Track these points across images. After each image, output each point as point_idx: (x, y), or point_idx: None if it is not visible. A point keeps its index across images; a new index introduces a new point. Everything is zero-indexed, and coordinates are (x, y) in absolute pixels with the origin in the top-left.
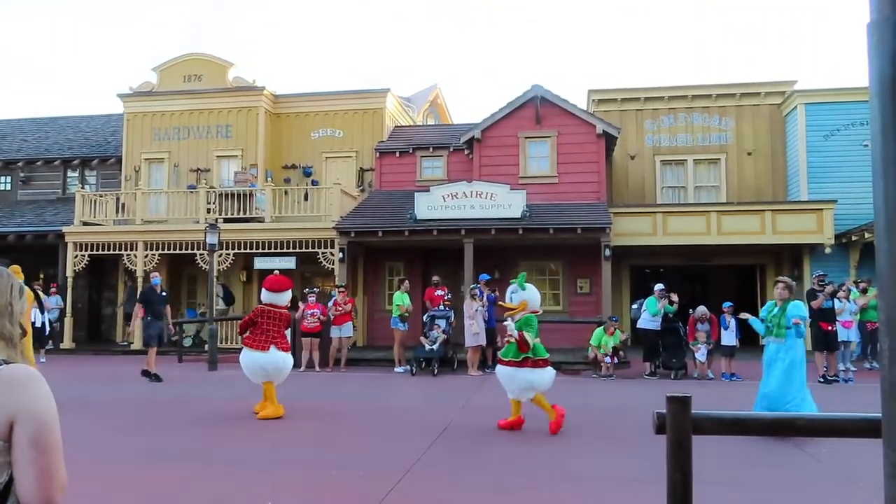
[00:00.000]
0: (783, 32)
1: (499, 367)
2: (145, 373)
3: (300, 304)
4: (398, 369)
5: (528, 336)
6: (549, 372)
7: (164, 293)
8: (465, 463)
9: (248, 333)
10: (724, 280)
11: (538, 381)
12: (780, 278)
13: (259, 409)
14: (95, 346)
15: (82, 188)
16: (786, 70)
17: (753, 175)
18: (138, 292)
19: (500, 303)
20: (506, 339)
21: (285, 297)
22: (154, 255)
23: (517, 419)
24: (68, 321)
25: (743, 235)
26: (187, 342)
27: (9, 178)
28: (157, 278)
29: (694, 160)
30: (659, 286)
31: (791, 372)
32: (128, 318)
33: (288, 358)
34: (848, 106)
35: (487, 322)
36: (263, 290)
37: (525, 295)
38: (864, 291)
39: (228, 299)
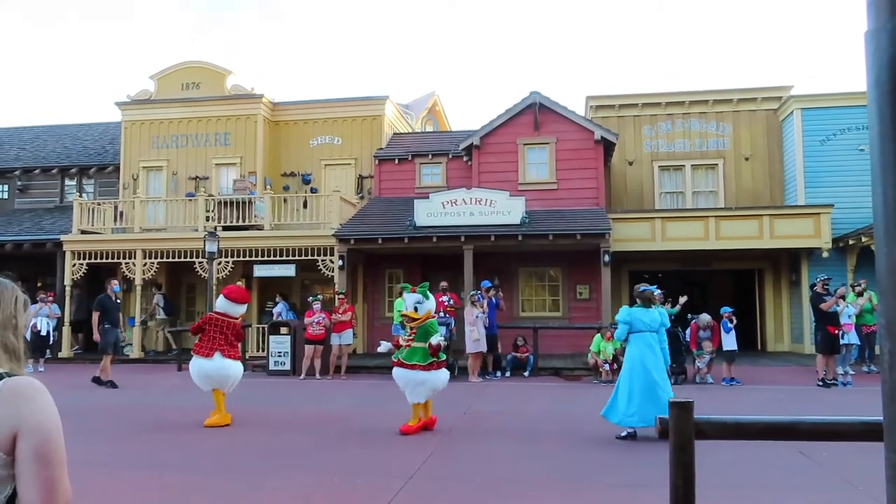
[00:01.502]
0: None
1: (415, 372)
2: (96, 380)
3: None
4: None
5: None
6: (445, 373)
7: (118, 301)
8: (467, 470)
9: (196, 340)
10: (723, 285)
11: (436, 381)
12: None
13: (209, 419)
14: (93, 355)
15: (80, 196)
16: (782, 75)
17: (751, 180)
18: (96, 300)
19: (403, 313)
20: (405, 343)
21: (240, 310)
22: (153, 263)
23: (429, 419)
24: (66, 330)
25: (741, 240)
26: (128, 350)
27: (6, 187)
28: (116, 286)
29: (692, 165)
30: (657, 292)
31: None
32: (76, 325)
33: (233, 365)
34: (843, 111)
35: (488, 328)
36: (220, 296)
37: (430, 305)
38: (860, 294)
39: (169, 309)
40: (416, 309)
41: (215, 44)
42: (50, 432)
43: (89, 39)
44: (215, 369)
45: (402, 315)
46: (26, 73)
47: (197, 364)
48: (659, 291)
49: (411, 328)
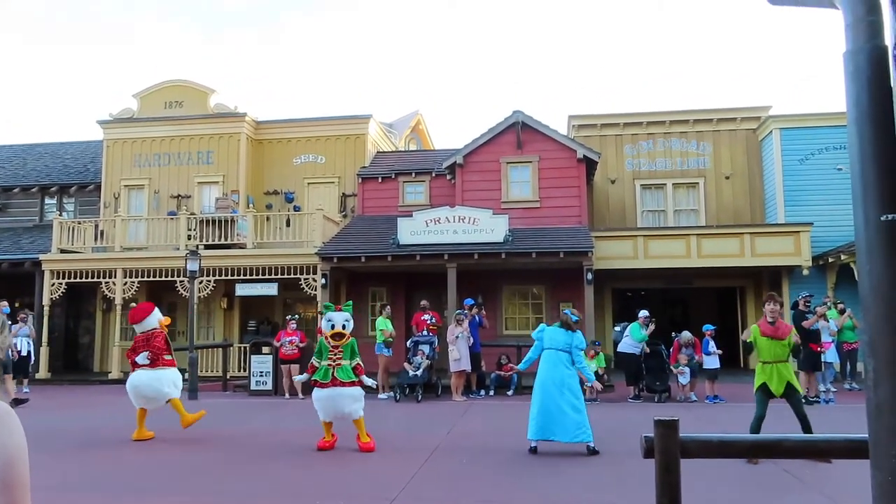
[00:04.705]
0: (803, 77)
1: (354, 389)
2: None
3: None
4: (382, 396)
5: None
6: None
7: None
8: (452, 491)
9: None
10: (705, 302)
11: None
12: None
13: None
14: (72, 376)
15: (60, 215)
16: (760, 95)
17: (731, 198)
18: None
19: (336, 330)
20: (333, 363)
21: (149, 322)
22: (133, 282)
23: (335, 438)
24: (44, 350)
25: (722, 258)
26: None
27: None
28: (6, 307)
29: (673, 184)
30: (643, 313)
31: None
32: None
33: (141, 375)
34: (821, 131)
35: (472, 346)
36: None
37: (352, 324)
38: (842, 312)
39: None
40: (344, 326)
41: (200, 64)
42: (13, 456)
43: (72, 59)
44: (130, 384)
45: (333, 334)
46: (7, 91)
47: (130, 379)
48: (645, 313)
49: (336, 347)
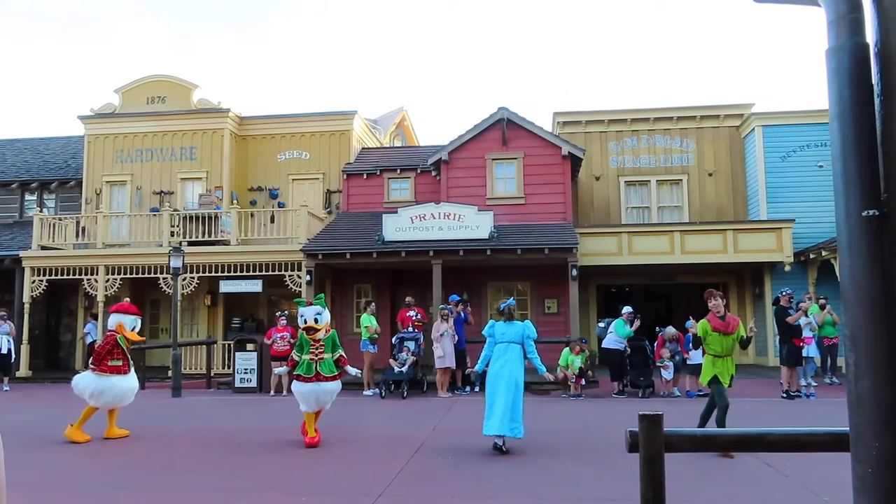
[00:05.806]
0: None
1: (336, 383)
2: None
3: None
4: (367, 392)
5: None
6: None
7: None
8: (437, 487)
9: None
10: (688, 298)
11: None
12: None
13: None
14: (54, 374)
15: (41, 211)
16: (743, 92)
17: (714, 195)
18: None
19: (308, 324)
20: (315, 356)
21: (110, 320)
22: (115, 279)
23: (319, 434)
24: (25, 348)
25: (706, 254)
26: None
27: None
28: None
29: (657, 181)
30: (627, 309)
31: None
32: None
33: (85, 378)
34: (802, 128)
35: (458, 343)
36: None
37: (328, 316)
38: (823, 307)
39: None
40: (316, 320)
41: (183, 59)
42: None
43: (53, 54)
44: (80, 385)
45: (306, 328)
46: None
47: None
48: (629, 309)
49: (316, 341)
